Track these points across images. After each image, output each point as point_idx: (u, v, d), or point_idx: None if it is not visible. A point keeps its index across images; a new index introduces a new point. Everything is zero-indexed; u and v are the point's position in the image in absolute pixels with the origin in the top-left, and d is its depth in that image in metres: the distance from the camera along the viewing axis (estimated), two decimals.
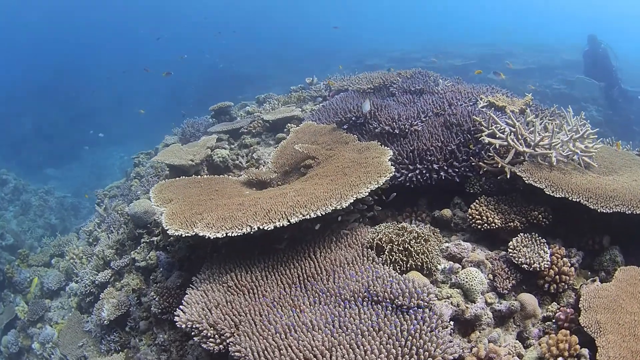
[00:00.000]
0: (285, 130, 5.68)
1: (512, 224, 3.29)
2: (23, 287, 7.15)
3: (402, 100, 5.04)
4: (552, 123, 3.99)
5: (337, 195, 2.90)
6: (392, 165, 3.46)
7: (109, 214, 6.74)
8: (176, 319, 2.68)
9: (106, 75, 19.96)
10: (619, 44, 12.42)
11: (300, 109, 6.26)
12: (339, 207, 2.81)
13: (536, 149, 3.58)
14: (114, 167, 17.38)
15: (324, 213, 2.77)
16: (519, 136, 3.75)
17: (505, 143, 3.60)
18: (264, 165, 5.37)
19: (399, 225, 3.08)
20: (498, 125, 3.81)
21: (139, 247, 4.89)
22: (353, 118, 4.46)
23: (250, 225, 2.80)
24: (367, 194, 3.00)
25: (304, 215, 2.75)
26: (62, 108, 19.72)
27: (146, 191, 6.16)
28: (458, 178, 3.77)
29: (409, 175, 3.77)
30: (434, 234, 3.33)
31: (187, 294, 2.93)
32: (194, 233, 2.91)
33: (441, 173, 3.73)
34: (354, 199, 2.89)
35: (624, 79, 12.32)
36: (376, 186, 3.09)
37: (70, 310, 5.90)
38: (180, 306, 2.75)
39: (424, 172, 3.77)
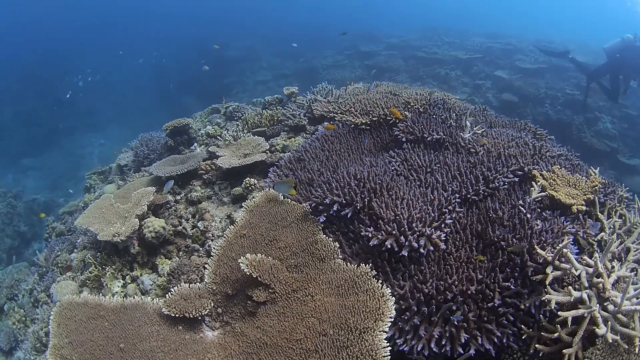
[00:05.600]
0: (243, 185, 3.94)
1: None
2: None
3: (411, 161, 3.30)
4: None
5: None
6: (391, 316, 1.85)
7: (50, 269, 5.13)
8: None
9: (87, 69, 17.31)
10: None
11: (267, 148, 4.44)
12: None
13: (618, 316, 1.98)
14: (92, 156, 15.37)
15: None
16: (598, 287, 2.12)
17: (580, 313, 1.96)
18: (212, 240, 3.68)
19: None
20: (569, 267, 2.15)
21: None
22: (335, 208, 2.72)
23: None
24: None
25: None
26: (41, 94, 17.18)
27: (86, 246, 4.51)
28: (495, 351, 2.15)
29: (419, 347, 2.11)
30: None
31: None
32: None
33: (471, 349, 2.09)
34: None
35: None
36: None
37: None
38: None
39: (442, 341, 2.12)
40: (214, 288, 2.74)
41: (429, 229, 2.42)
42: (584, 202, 2.88)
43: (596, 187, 2.98)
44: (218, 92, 15.65)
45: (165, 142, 5.93)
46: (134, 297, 3.49)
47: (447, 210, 2.60)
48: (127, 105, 16.76)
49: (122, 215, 3.95)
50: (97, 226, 3.87)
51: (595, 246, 2.79)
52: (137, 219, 3.64)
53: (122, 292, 3.70)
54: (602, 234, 2.85)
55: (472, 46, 14.60)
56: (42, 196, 11.63)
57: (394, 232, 2.40)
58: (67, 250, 5.25)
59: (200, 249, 3.67)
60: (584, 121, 11.05)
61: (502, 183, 2.88)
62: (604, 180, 3.07)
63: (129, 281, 3.76)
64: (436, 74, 14.11)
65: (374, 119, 4.37)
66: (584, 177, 3.08)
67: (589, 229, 2.65)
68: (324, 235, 2.66)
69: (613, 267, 2.41)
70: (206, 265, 2.87)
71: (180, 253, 3.83)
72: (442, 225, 2.47)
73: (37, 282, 5.44)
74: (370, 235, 2.44)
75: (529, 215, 2.51)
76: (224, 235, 2.99)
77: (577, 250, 2.41)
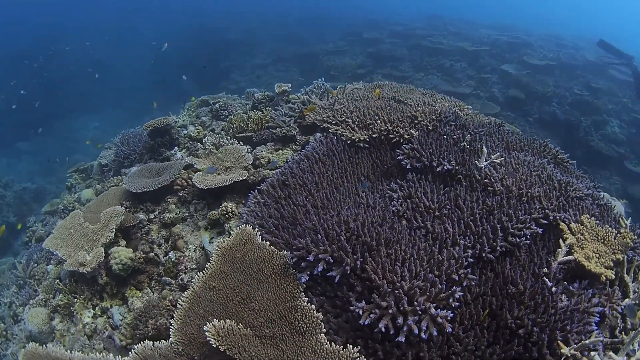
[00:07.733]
0: (219, 211, 3.44)
1: None
2: None
3: (416, 199, 2.81)
4: None
5: None
6: None
7: (27, 282, 4.70)
8: None
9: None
10: None
11: (250, 162, 3.92)
12: None
13: None
14: (86, 139, 14.69)
15: None
16: None
17: None
18: (185, 273, 3.22)
19: None
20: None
21: None
22: (320, 268, 2.23)
23: None
24: None
25: None
26: (35, 76, 16.19)
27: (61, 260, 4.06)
28: None
29: None
30: None
31: None
32: None
33: None
34: None
35: None
36: None
37: None
38: None
39: None
40: (180, 349, 2.29)
41: (434, 306, 1.95)
42: (612, 264, 2.42)
43: (628, 244, 2.51)
44: (216, 75, 14.90)
45: (146, 140, 5.39)
46: (101, 342, 3.13)
47: (457, 277, 2.12)
48: (125, 86, 15.97)
49: (90, 237, 3.47)
50: (65, 250, 3.44)
51: (619, 319, 2.36)
52: (102, 249, 3.17)
53: (92, 323, 3.34)
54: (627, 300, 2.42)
55: (479, 38, 13.79)
56: (34, 183, 11.07)
57: (390, 309, 1.93)
58: (45, 260, 4.81)
59: (173, 282, 3.22)
60: (591, 124, 10.48)
61: (524, 239, 2.40)
62: (635, 237, 2.58)
63: (99, 313, 3.36)
64: (441, 64, 13.37)
65: (374, 135, 3.84)
66: (613, 230, 2.60)
67: (616, 303, 2.20)
68: (306, 300, 2.19)
69: (634, 350, 2.04)
70: (178, 305, 2.42)
71: (152, 282, 3.38)
72: (450, 300, 2.00)
73: (15, 294, 5.06)
74: (361, 312, 1.97)
75: (554, 290, 2.04)
76: (191, 285, 2.51)
77: (602, 338, 1.96)
